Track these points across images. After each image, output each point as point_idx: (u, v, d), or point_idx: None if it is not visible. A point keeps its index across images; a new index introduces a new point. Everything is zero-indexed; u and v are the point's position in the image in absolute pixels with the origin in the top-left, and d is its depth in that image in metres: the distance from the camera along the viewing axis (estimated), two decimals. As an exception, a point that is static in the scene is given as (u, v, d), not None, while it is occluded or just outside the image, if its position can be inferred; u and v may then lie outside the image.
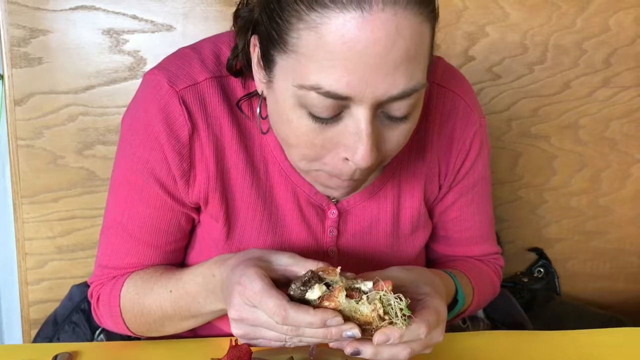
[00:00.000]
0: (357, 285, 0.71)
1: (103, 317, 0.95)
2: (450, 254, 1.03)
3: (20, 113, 1.37)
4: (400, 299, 0.70)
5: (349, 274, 0.74)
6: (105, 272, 0.93)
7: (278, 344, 0.73)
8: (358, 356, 0.71)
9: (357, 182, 0.79)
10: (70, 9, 1.35)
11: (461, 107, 0.93)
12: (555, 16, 1.46)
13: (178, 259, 0.96)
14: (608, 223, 1.59)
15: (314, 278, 0.71)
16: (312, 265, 0.74)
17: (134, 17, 1.36)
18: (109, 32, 1.37)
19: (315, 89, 0.69)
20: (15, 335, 1.51)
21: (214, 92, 0.85)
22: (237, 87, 0.86)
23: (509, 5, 1.45)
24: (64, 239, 1.43)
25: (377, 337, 0.69)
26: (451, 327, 1.22)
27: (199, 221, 0.93)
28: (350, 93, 0.68)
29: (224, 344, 0.83)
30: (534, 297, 1.49)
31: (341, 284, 0.70)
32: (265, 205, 0.89)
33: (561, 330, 0.95)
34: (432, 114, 0.92)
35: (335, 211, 0.91)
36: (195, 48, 0.89)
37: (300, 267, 0.75)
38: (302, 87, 0.70)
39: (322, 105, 0.70)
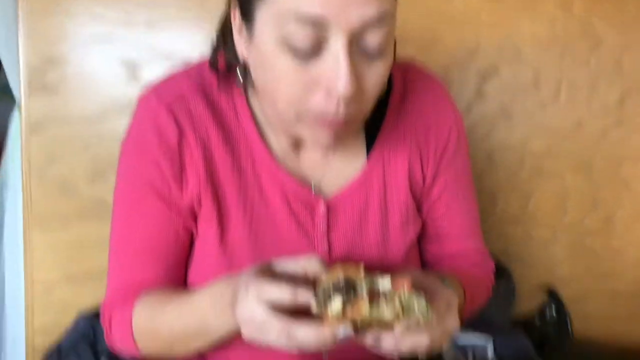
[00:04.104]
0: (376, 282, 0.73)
1: (116, 340, 0.95)
2: (442, 252, 1.05)
3: (34, 140, 1.38)
4: (419, 296, 0.72)
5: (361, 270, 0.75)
6: (115, 294, 0.95)
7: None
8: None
9: (342, 124, 0.81)
10: (89, 38, 1.37)
11: (438, 99, 1.01)
12: (569, 54, 1.47)
13: (180, 275, 0.97)
14: (623, 264, 1.56)
15: (342, 285, 0.72)
16: (302, 260, 0.77)
17: (152, 49, 1.39)
18: (126, 63, 1.39)
19: (293, 13, 0.74)
20: (19, 364, 1.49)
21: (199, 100, 0.92)
22: (220, 94, 0.93)
23: (522, 42, 1.46)
24: (72, 265, 1.42)
25: (397, 328, 0.71)
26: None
27: (196, 233, 0.95)
28: (325, 13, 0.73)
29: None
30: (546, 336, 1.47)
31: (364, 287, 0.72)
32: (254, 205, 0.92)
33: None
34: (410, 100, 0.97)
35: (324, 205, 0.93)
36: (183, 68, 0.97)
37: (293, 263, 0.78)
38: (281, 17, 0.75)
39: (301, 34, 0.74)
